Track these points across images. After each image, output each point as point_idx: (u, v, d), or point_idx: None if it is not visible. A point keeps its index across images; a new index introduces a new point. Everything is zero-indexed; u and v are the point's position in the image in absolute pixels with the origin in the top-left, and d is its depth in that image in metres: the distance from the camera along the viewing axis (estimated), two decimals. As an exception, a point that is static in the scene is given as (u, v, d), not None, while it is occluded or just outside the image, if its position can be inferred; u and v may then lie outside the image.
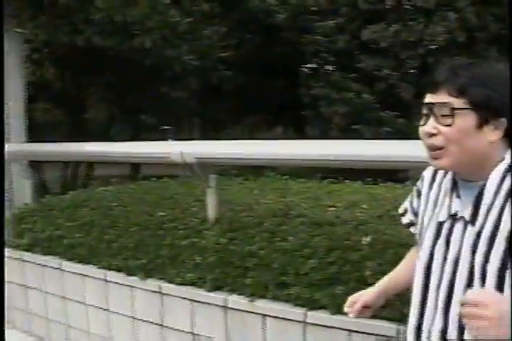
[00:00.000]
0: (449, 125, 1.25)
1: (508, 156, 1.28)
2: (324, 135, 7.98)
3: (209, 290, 3.14)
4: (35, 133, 6.10)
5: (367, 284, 2.59)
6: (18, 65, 5.32)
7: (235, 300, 3.01)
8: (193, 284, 3.24)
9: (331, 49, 8.15)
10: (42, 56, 5.98)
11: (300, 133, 11.27)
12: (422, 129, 1.29)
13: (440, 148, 1.27)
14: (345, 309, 1.68)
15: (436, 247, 1.34)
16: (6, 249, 4.50)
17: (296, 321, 2.78)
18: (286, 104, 9.87)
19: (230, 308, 3.05)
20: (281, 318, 2.84)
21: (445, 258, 1.32)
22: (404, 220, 1.58)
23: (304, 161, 2.97)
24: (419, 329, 1.38)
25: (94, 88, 7.20)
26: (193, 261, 3.34)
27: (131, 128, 8.61)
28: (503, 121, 1.24)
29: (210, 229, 3.52)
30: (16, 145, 5.17)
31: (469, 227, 1.28)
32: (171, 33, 5.15)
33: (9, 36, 5.25)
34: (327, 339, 2.80)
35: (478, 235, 1.26)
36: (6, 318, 1.91)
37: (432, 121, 1.27)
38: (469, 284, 1.26)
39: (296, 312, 2.78)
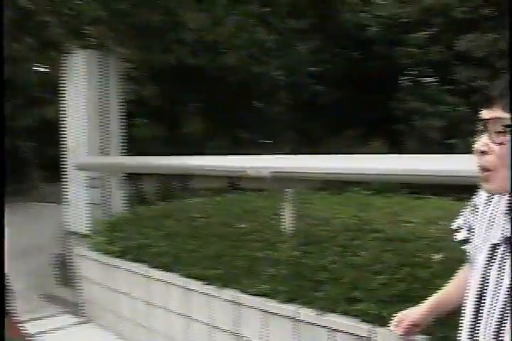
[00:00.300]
0: (501, 143, 1.15)
1: None
2: (421, 149, 7.80)
3: (281, 302, 3.19)
4: (134, 147, 6.47)
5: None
6: (117, 82, 5.70)
7: (306, 313, 3.03)
8: (266, 295, 3.30)
9: (424, 61, 7.97)
10: (140, 74, 6.38)
11: (396, 147, 11.08)
12: (475, 147, 1.19)
13: (490, 170, 1.18)
14: (391, 328, 1.65)
15: (491, 272, 1.25)
16: (100, 255, 4.83)
17: (363, 337, 2.76)
18: (381, 118, 9.75)
19: (301, 321, 3.08)
20: (348, 333, 2.84)
21: (499, 285, 1.22)
22: (459, 237, 1.50)
23: (370, 176, 2.96)
24: None
25: (188, 104, 7.54)
26: (267, 272, 3.41)
27: (227, 141, 8.91)
28: None
29: (285, 242, 3.58)
30: (114, 158, 5.55)
31: (504, 249, 1.20)
32: (258, 50, 5.31)
33: (110, 56, 5.67)
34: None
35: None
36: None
37: (484, 138, 1.18)
38: None
39: (363, 328, 2.76)
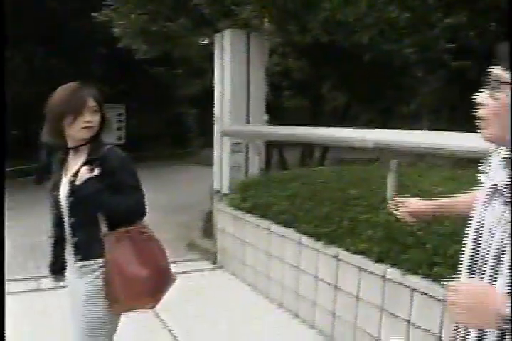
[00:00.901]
0: (496, 98, 1.25)
1: None
2: None
3: (374, 261, 3.63)
4: (279, 117, 7.10)
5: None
6: (260, 57, 6.31)
7: (392, 272, 3.44)
8: (363, 254, 3.76)
9: None
10: (282, 50, 6.94)
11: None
12: (476, 99, 1.32)
13: (486, 120, 1.29)
14: (393, 207, 1.93)
15: (485, 213, 1.37)
16: (234, 210, 5.58)
17: (438, 299, 3.06)
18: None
19: (388, 279, 3.49)
20: (426, 294, 3.15)
21: (493, 227, 1.33)
22: (481, 179, 1.54)
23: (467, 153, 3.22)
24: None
25: (327, 78, 7.96)
26: (367, 234, 3.85)
27: (366, 113, 9.21)
28: None
29: (385, 207, 3.96)
30: (254, 127, 6.22)
31: (498, 200, 1.33)
32: (390, 29, 5.57)
33: (254, 33, 6.29)
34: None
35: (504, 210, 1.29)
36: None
37: (485, 92, 1.30)
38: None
39: (439, 290, 3.06)
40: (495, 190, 1.34)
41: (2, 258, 2.00)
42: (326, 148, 8.46)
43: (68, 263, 2.63)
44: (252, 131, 6.04)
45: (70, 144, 2.53)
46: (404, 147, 3.65)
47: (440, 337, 3.04)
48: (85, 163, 2.46)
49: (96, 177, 2.40)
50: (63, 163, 2.57)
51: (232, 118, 6.21)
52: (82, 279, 2.53)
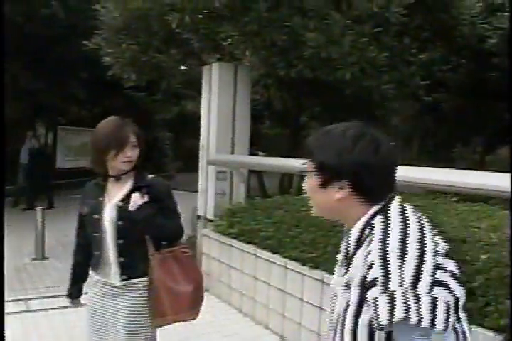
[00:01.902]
0: (305, 182, 1.53)
1: (369, 213, 1.42)
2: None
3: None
4: (259, 144, 7.39)
5: (474, 294, 3.14)
6: (246, 90, 6.63)
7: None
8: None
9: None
10: (269, 81, 7.27)
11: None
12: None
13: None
14: None
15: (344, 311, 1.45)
16: (220, 236, 5.81)
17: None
18: (505, 127, 9.83)
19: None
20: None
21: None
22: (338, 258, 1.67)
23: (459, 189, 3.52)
24: None
25: (309, 108, 8.33)
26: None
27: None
28: (344, 182, 1.41)
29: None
30: (239, 157, 6.50)
31: (341, 272, 1.50)
32: (370, 66, 5.95)
33: (240, 66, 6.62)
34: None
35: (345, 283, 1.41)
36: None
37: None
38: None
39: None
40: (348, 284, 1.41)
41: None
42: (300, 177, 8.77)
43: (98, 285, 2.83)
44: (237, 161, 6.31)
45: (112, 173, 2.78)
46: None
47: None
48: (133, 190, 2.71)
49: (146, 202, 2.66)
50: (103, 189, 2.82)
51: (218, 147, 6.48)
52: (123, 298, 2.76)
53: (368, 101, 6.60)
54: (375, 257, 1.29)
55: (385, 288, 1.23)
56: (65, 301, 3.10)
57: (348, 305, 1.37)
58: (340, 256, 1.58)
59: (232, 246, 5.55)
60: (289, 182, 8.59)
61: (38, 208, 8.03)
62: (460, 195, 5.47)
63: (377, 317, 1.23)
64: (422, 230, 1.35)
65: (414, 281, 1.23)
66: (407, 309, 1.20)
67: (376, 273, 1.26)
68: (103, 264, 2.79)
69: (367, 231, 1.39)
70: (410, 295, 1.21)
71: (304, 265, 4.50)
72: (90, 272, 2.92)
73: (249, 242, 5.31)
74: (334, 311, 1.49)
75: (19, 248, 8.17)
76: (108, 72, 7.34)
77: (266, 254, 4.98)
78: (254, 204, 5.98)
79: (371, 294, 1.26)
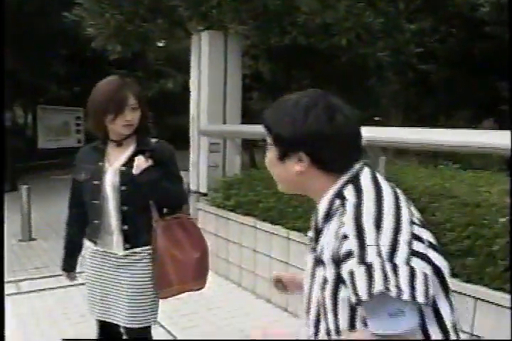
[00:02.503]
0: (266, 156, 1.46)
1: (338, 183, 1.36)
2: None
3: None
4: (250, 117, 7.19)
5: (495, 257, 3.03)
6: (237, 58, 6.40)
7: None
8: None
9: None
10: (258, 51, 7.05)
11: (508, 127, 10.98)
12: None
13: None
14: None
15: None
16: (216, 209, 5.64)
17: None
18: (492, 98, 9.77)
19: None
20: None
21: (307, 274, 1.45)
22: (310, 234, 1.59)
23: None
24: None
25: (300, 80, 8.13)
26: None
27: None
28: (301, 154, 1.35)
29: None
30: (231, 126, 6.30)
31: (310, 248, 1.45)
32: (366, 32, 5.78)
33: (231, 35, 6.38)
34: (457, 304, 3.25)
35: (314, 258, 1.37)
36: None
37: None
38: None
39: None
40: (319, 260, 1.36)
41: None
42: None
43: (98, 256, 2.67)
44: (233, 130, 6.12)
45: (113, 137, 2.61)
46: (394, 143, 3.82)
47: None
48: (135, 154, 2.53)
49: (150, 166, 2.50)
50: (103, 153, 2.63)
51: (210, 118, 6.28)
52: (127, 268, 2.60)
53: (363, 69, 6.41)
54: (349, 229, 1.23)
55: (362, 260, 1.18)
56: (56, 281, 2.93)
57: (325, 283, 1.30)
58: (310, 234, 1.51)
59: (230, 219, 5.38)
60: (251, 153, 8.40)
61: (24, 187, 7.77)
62: (462, 163, 5.37)
63: (355, 291, 1.18)
64: (396, 200, 1.29)
65: (391, 252, 1.18)
66: (387, 281, 1.15)
67: (351, 245, 1.20)
68: (103, 233, 2.62)
69: (337, 202, 1.32)
70: (388, 266, 1.16)
71: (307, 235, 4.34)
72: (87, 243, 2.75)
73: (247, 214, 5.15)
74: (305, 289, 1.44)
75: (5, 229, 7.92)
76: (91, 44, 7.03)
77: (266, 226, 4.83)
78: (252, 175, 5.79)
79: (347, 267, 1.20)
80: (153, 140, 2.67)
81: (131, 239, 2.58)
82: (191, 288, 2.70)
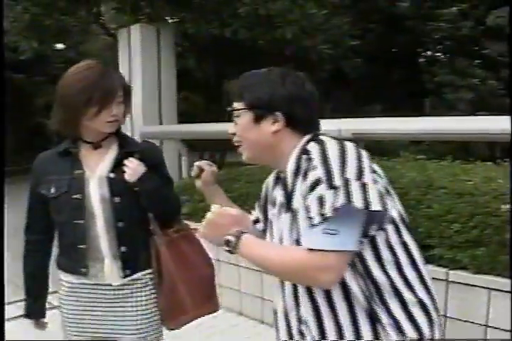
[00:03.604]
0: (237, 124, 1.53)
1: (302, 141, 1.46)
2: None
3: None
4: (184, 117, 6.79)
5: (505, 246, 2.90)
6: (171, 54, 5.98)
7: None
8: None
9: (455, 35, 8.22)
10: (184, 48, 6.65)
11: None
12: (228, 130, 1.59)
13: (240, 144, 1.55)
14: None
15: (268, 235, 1.59)
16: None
17: (439, 280, 3.08)
18: (411, 91, 9.99)
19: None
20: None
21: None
22: (252, 217, 1.82)
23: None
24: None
25: (231, 77, 7.81)
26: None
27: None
28: (279, 114, 1.46)
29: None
30: (168, 127, 5.87)
31: (283, 212, 1.47)
32: (309, 25, 5.59)
33: (164, 29, 5.92)
34: (468, 296, 3.10)
35: (292, 216, 1.41)
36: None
37: (233, 123, 1.56)
38: None
39: (439, 271, 3.10)
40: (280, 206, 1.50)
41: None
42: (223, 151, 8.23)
43: (83, 291, 2.13)
44: (175, 131, 5.69)
45: (88, 137, 2.08)
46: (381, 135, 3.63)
47: None
48: (123, 156, 2.06)
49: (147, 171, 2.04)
50: (76, 159, 2.09)
51: (145, 119, 5.82)
52: (126, 300, 2.11)
53: (306, 63, 6.21)
54: (316, 171, 1.30)
55: (331, 184, 1.26)
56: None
57: (296, 232, 1.37)
58: (258, 203, 1.78)
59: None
60: (222, 156, 8.03)
61: None
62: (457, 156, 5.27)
63: (319, 212, 1.25)
64: (358, 152, 1.35)
65: (358, 174, 1.28)
66: (349, 195, 1.23)
67: (318, 173, 1.28)
68: (90, 261, 2.06)
69: (304, 157, 1.38)
70: (356, 184, 1.26)
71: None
72: (63, 276, 2.17)
73: (207, 221, 4.72)
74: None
75: None
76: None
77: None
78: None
79: (316, 193, 1.27)
80: (137, 139, 2.25)
81: (130, 262, 2.08)
82: (207, 312, 2.24)
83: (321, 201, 1.26)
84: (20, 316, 2.19)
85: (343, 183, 1.25)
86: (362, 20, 7.80)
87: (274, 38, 5.50)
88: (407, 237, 1.43)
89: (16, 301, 4.61)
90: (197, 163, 1.95)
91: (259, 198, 1.80)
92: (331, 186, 1.25)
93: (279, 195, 1.52)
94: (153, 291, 2.12)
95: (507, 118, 3.06)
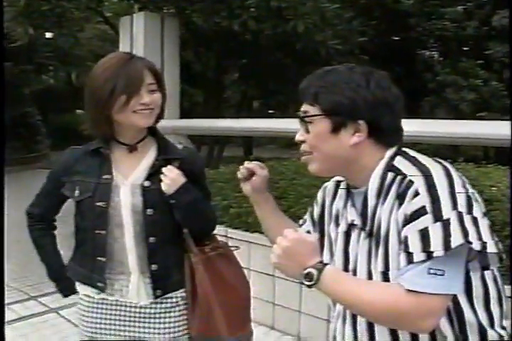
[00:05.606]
0: (309, 132, 1.31)
1: (387, 155, 1.28)
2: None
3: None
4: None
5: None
6: (174, 45, 5.72)
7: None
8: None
9: (459, 35, 8.09)
10: (199, 38, 6.40)
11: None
12: (296, 138, 1.37)
13: (309, 154, 1.34)
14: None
15: (335, 258, 1.38)
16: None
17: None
18: (413, 90, 9.84)
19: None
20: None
21: (346, 269, 1.34)
22: (301, 230, 1.57)
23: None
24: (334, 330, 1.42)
25: (235, 70, 7.60)
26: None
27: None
28: (362, 123, 1.25)
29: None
30: (171, 121, 5.62)
31: (362, 234, 1.29)
32: (320, 19, 5.38)
33: (168, 19, 5.66)
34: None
35: (371, 241, 1.26)
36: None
37: (301, 129, 1.35)
38: None
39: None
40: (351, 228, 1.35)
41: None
42: (222, 145, 7.98)
43: (106, 307, 1.93)
44: (171, 126, 5.44)
45: (123, 138, 1.88)
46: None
47: None
48: (161, 163, 1.86)
49: (186, 182, 1.84)
50: (108, 161, 1.88)
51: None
52: (154, 320, 1.90)
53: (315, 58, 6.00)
54: (419, 198, 1.14)
55: (438, 216, 1.11)
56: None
57: (376, 260, 1.23)
58: (309, 213, 1.59)
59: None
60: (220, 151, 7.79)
61: None
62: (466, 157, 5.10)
63: (424, 248, 1.10)
64: (461, 177, 1.22)
65: (468, 206, 1.13)
66: (466, 233, 1.09)
67: (423, 201, 1.13)
68: (112, 275, 1.88)
69: (389, 175, 1.23)
70: (468, 218, 1.11)
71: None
72: (81, 289, 1.97)
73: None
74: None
75: None
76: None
77: (241, 234, 4.25)
78: (211, 176, 5.14)
79: (418, 224, 1.12)
80: (179, 145, 2.02)
81: (161, 283, 1.89)
82: (243, 336, 2.03)
83: (424, 235, 1.12)
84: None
85: (455, 217, 1.11)
86: (363, 15, 7.58)
87: (284, 31, 5.27)
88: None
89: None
90: (247, 165, 1.68)
91: (312, 206, 1.62)
92: (439, 219, 1.11)
93: (351, 214, 1.34)
94: (183, 312, 1.93)
95: (507, 123, 2.97)
